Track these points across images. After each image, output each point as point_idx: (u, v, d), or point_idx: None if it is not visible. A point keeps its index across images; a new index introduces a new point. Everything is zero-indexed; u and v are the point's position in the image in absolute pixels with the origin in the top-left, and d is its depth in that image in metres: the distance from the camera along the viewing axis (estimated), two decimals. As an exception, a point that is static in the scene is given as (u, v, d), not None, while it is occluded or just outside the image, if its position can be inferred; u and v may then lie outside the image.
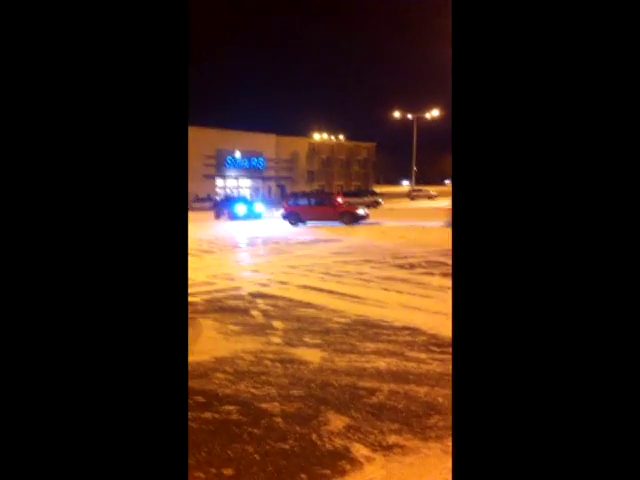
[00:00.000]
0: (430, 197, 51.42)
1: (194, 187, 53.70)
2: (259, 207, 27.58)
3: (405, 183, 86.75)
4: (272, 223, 22.41)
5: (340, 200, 22.04)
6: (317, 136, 67.87)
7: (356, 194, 40.88)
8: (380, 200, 39.33)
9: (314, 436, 3.05)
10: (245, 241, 15.03)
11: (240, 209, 26.17)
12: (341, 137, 70.75)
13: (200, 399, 3.62)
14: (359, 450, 2.88)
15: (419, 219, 21.97)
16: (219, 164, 59.41)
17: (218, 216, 27.28)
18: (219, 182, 60.37)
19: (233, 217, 25.88)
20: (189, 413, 3.36)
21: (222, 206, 29.06)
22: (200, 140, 56.49)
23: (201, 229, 19.51)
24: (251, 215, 26.01)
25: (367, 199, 37.23)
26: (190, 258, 11.57)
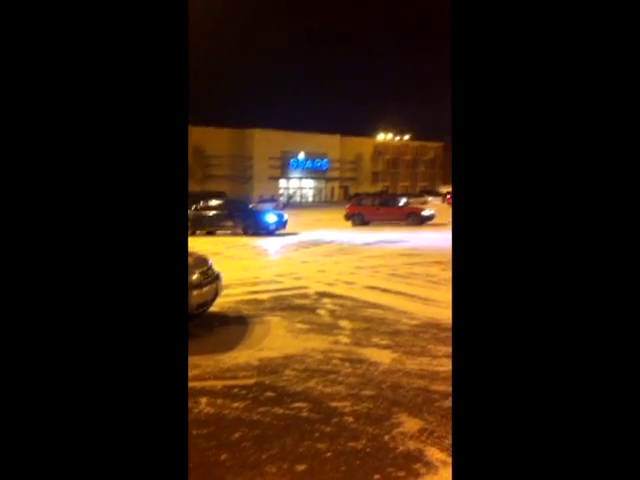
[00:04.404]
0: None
1: (260, 188, 54.83)
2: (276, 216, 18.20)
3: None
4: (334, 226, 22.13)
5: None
6: (382, 136, 67.43)
7: (409, 195, 41.21)
8: (429, 199, 39.97)
9: (387, 437, 2.99)
10: (310, 243, 15.12)
11: (271, 218, 17.19)
12: (407, 137, 69.90)
13: (271, 394, 3.64)
14: (434, 454, 2.79)
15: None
16: (284, 166, 60.34)
17: (193, 231, 16.62)
18: (283, 183, 61.32)
19: (262, 230, 16.67)
20: (260, 408, 3.39)
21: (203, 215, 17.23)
22: (266, 142, 57.60)
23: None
24: (281, 225, 17.48)
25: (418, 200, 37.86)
26: (256, 257, 11.78)
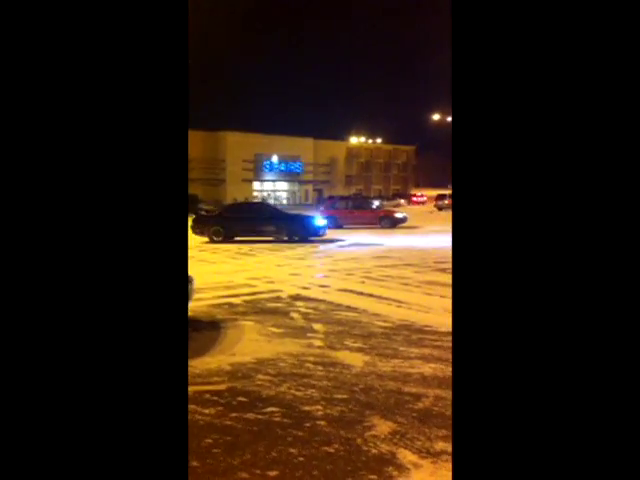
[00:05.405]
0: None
1: (233, 191, 54.48)
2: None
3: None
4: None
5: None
6: (355, 140, 67.77)
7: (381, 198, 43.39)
8: (402, 202, 43.05)
9: (359, 441, 2.99)
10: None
11: (321, 222, 15.79)
12: (379, 140, 70.41)
13: (243, 400, 3.61)
14: (406, 456, 2.80)
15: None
16: (257, 168, 60.13)
17: (223, 238, 15.16)
18: (256, 186, 61.09)
19: (311, 235, 15.22)
20: (232, 413, 3.36)
21: (227, 219, 15.63)
22: (239, 144, 57.33)
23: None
24: (326, 230, 16.02)
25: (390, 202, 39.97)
26: (229, 260, 11.70)
